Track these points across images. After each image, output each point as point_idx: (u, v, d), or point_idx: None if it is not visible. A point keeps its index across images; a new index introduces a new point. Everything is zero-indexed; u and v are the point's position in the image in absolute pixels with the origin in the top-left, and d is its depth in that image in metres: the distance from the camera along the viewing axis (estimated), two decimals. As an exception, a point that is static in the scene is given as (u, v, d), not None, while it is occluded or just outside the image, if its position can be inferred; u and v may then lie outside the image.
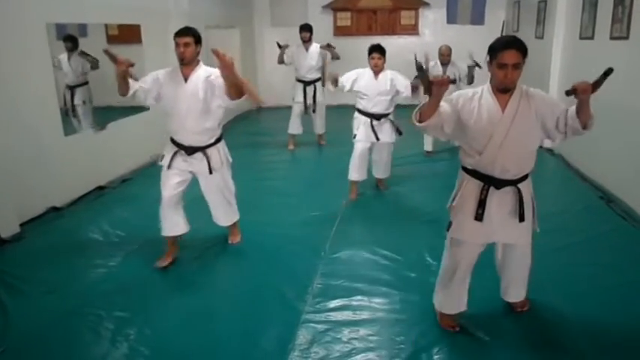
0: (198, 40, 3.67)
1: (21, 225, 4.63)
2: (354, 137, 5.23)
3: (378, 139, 5.18)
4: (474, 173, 2.82)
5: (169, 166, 3.83)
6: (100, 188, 5.84)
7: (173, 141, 3.86)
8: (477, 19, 10.36)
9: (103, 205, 5.40)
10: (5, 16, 4.54)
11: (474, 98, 2.72)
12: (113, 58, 3.49)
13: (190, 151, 3.82)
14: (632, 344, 2.93)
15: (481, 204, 2.79)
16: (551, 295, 3.40)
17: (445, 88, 2.53)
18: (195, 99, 3.66)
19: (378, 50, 5.17)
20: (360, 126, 5.21)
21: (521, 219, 2.81)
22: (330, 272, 3.83)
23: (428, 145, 7.10)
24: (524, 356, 2.87)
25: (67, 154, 5.32)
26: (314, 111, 7.56)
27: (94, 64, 6.70)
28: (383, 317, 3.25)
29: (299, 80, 7.55)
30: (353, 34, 11.21)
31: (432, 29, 10.96)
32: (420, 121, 2.67)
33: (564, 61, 6.88)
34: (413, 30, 11.15)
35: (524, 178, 2.82)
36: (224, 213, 4.20)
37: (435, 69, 6.92)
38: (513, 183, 2.78)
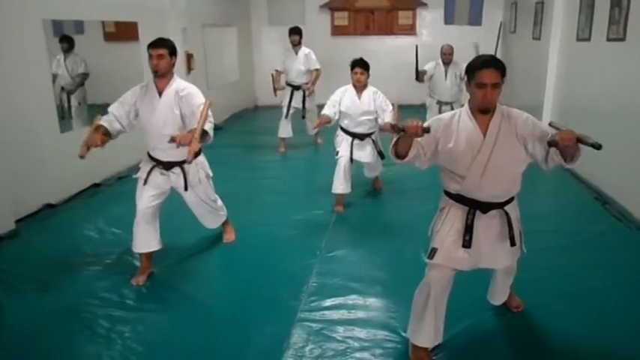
0: (172, 51, 3.52)
1: (16, 222, 4.61)
2: (337, 154, 5.06)
3: (352, 160, 5.02)
4: (458, 198, 2.70)
5: (145, 182, 3.67)
6: (96, 185, 5.84)
7: (150, 156, 3.73)
8: (475, 19, 10.39)
9: (99, 203, 5.39)
10: (1, 12, 4.52)
11: (453, 122, 2.61)
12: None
13: (168, 166, 3.69)
14: (628, 345, 2.94)
15: (468, 230, 2.66)
16: (545, 295, 3.41)
17: (419, 135, 2.42)
18: (171, 113, 3.52)
19: (360, 65, 4.95)
20: (343, 142, 5.06)
21: (512, 243, 2.71)
22: (325, 271, 3.83)
23: None
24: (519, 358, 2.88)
25: (62, 151, 5.29)
26: (304, 117, 7.48)
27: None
28: (378, 316, 3.25)
29: (288, 84, 7.49)
30: (350, 33, 11.23)
31: (430, 29, 10.98)
32: (397, 156, 2.58)
33: (561, 63, 6.90)
34: (410, 30, 11.16)
35: (511, 199, 2.72)
36: (211, 220, 4.15)
37: (437, 69, 6.93)
38: (500, 206, 2.68)
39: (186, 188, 3.74)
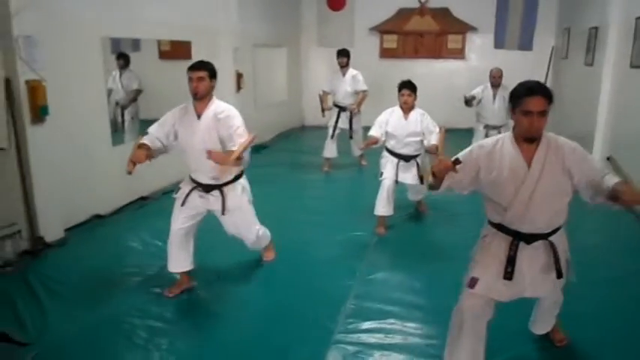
0: (213, 74, 3.50)
1: (65, 230, 4.77)
2: (381, 175, 5.07)
3: (397, 181, 5.00)
4: (501, 227, 2.62)
5: (183, 203, 3.67)
6: (143, 199, 5.98)
7: (191, 177, 3.73)
8: (526, 44, 10.26)
9: (144, 216, 5.52)
10: (62, 29, 4.73)
11: (495, 149, 2.54)
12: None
13: (207, 188, 3.66)
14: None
15: (510, 261, 2.56)
16: (590, 330, 3.28)
17: (449, 170, 2.42)
18: (210, 136, 3.50)
19: (408, 87, 4.96)
20: (388, 164, 5.05)
21: (559, 275, 2.60)
22: (363, 294, 3.80)
23: None
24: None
25: (113, 164, 5.45)
26: (351, 137, 7.54)
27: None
28: (415, 343, 3.19)
29: (335, 105, 7.55)
30: (399, 56, 11.23)
31: (479, 54, 10.88)
32: (431, 187, 2.57)
33: (613, 90, 6.71)
34: (459, 54, 11.09)
35: (557, 230, 2.61)
36: (251, 244, 4.02)
37: (485, 92, 6.90)
38: (545, 237, 2.58)
39: (223, 212, 3.68)
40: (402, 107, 4.98)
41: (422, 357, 3.03)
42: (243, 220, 3.83)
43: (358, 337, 3.23)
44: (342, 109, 7.46)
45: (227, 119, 3.51)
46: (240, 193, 3.76)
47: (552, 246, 2.58)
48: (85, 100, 5.08)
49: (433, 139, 4.73)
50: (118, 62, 6.98)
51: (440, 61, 11.18)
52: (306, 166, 7.89)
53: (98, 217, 5.26)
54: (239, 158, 3.38)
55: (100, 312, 3.52)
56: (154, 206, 5.85)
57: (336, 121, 7.46)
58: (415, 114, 4.96)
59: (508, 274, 2.56)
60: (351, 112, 7.42)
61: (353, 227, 5.13)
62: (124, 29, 5.81)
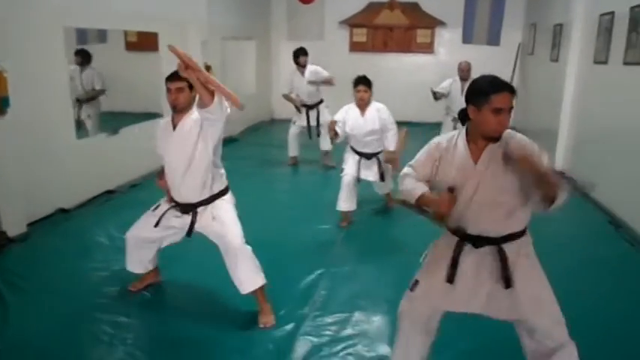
0: (192, 85, 3.00)
1: (28, 225, 4.68)
2: (342, 171, 5.02)
3: (359, 179, 4.98)
4: (449, 228, 2.44)
5: (157, 224, 3.37)
6: (109, 192, 5.90)
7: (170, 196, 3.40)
8: (493, 39, 10.44)
9: (111, 209, 5.45)
10: (23, 18, 4.62)
11: (450, 146, 2.37)
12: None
13: (183, 208, 3.33)
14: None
15: (453, 263, 2.36)
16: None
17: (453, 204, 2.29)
18: (184, 148, 3.15)
19: (364, 82, 4.79)
20: (349, 160, 5.02)
21: (507, 284, 2.30)
22: (331, 286, 3.82)
23: None
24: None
25: (78, 157, 5.38)
26: (318, 135, 7.43)
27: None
28: (381, 333, 3.22)
29: (303, 104, 7.40)
30: (369, 50, 11.28)
31: (448, 48, 10.99)
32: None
33: (578, 85, 6.86)
34: (428, 48, 11.19)
35: (515, 236, 2.34)
36: (243, 275, 3.28)
37: (454, 85, 6.97)
38: (496, 242, 2.33)
39: (188, 234, 3.36)
40: (358, 104, 4.86)
41: (387, 347, 3.05)
42: (224, 224, 3.31)
43: (325, 330, 3.24)
44: (309, 107, 7.36)
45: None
46: (218, 211, 3.33)
47: (501, 253, 2.31)
48: (48, 91, 4.97)
49: (390, 141, 4.74)
50: (75, 59, 6.72)
51: (409, 55, 11.26)
52: (275, 160, 7.88)
53: (63, 210, 5.17)
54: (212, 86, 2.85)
55: (64, 307, 3.47)
56: (121, 200, 5.78)
57: (308, 121, 7.34)
58: (372, 110, 4.84)
59: (449, 277, 2.36)
60: (318, 110, 7.34)
61: (321, 221, 5.15)
62: (89, 19, 5.71)
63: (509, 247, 2.32)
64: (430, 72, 10.37)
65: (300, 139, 7.56)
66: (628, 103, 5.27)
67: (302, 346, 3.07)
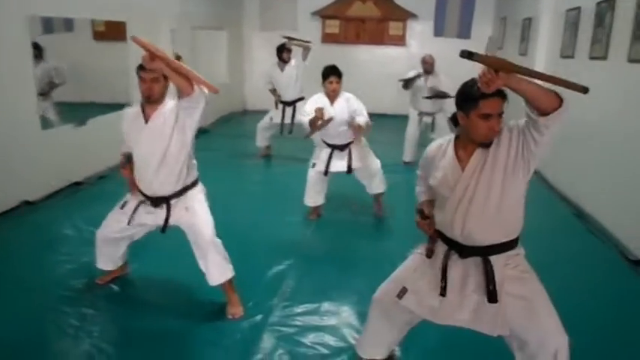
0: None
1: (-8, 217, 4.59)
2: (313, 166, 4.90)
3: (326, 172, 4.83)
4: (440, 233, 2.37)
5: (129, 222, 3.28)
6: (77, 184, 5.81)
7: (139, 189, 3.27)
8: (464, 32, 10.53)
9: (78, 201, 5.36)
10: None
11: (439, 153, 2.34)
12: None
13: (155, 202, 3.23)
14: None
15: (443, 273, 2.29)
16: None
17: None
18: (158, 141, 3.04)
19: (336, 73, 4.65)
20: (321, 153, 4.87)
21: (491, 298, 2.20)
22: (300, 277, 3.84)
23: (407, 156, 7.17)
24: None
25: (43, 149, 5.28)
26: (290, 132, 7.26)
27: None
28: (349, 323, 3.25)
29: (280, 101, 7.26)
30: (341, 41, 11.27)
31: (419, 41, 11.04)
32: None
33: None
34: (400, 41, 11.23)
35: (503, 247, 2.26)
36: (214, 269, 3.26)
37: (420, 79, 6.96)
38: (482, 252, 2.25)
39: (163, 230, 3.27)
40: (328, 95, 4.69)
41: (357, 337, 3.08)
42: (196, 215, 3.24)
43: (293, 320, 3.26)
44: (286, 104, 7.22)
45: (177, 102, 3.02)
46: (192, 204, 3.25)
47: (487, 264, 2.23)
48: (11, 81, 4.86)
49: (361, 120, 4.55)
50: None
51: (381, 48, 11.29)
52: (247, 152, 7.83)
53: (28, 203, 5.07)
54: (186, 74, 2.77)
55: (29, 300, 3.42)
56: (88, 192, 5.70)
57: (283, 117, 7.21)
58: (341, 101, 4.69)
59: (442, 289, 2.28)
60: (294, 107, 7.17)
61: (291, 212, 5.15)
62: (55, 7, 5.58)
63: (496, 260, 2.24)
64: (402, 64, 10.40)
65: (271, 132, 7.48)
66: (593, 97, 5.36)
67: (270, 337, 3.08)
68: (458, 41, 10.42)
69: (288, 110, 7.22)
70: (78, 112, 6.49)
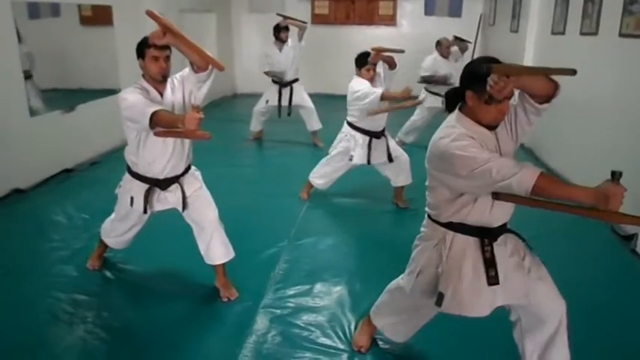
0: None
1: (-18, 206, 4.57)
2: (350, 159, 4.63)
3: (369, 162, 4.63)
4: (462, 227, 2.21)
5: (145, 210, 3.18)
6: (67, 171, 5.77)
7: (140, 177, 3.16)
8: (455, 11, 10.50)
9: (69, 188, 5.33)
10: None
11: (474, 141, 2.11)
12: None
13: (165, 184, 3.16)
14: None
15: (490, 264, 2.17)
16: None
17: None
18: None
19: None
20: (358, 143, 4.60)
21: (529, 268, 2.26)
22: (293, 259, 3.84)
23: (409, 138, 7.01)
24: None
25: (32, 136, 5.23)
26: (289, 114, 7.07)
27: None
28: (342, 304, 3.26)
29: (275, 82, 6.99)
30: (331, 22, 11.17)
31: (410, 20, 10.96)
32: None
33: (537, 56, 6.95)
34: (391, 20, 11.13)
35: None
36: (217, 248, 3.29)
37: (438, 64, 6.84)
38: (506, 229, 2.29)
39: (184, 208, 3.20)
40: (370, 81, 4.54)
41: (348, 317, 3.12)
42: (202, 200, 3.27)
43: (287, 301, 3.28)
44: (283, 85, 6.96)
45: (184, 76, 3.07)
46: (194, 180, 3.29)
47: (518, 236, 2.30)
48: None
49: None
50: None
51: (372, 28, 11.19)
52: (238, 135, 7.78)
53: (18, 191, 5.04)
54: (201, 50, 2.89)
55: (21, 287, 3.42)
56: (79, 178, 5.67)
57: (280, 99, 6.97)
58: (378, 86, 4.56)
59: (493, 279, 2.17)
60: (291, 88, 6.94)
61: (283, 195, 5.15)
62: (39, -8, 5.51)
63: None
64: (393, 44, 10.21)
65: (267, 116, 7.28)
66: (583, 73, 5.35)
67: (264, 318, 3.09)
68: (449, 20, 10.40)
69: (285, 92, 6.98)
70: (67, 99, 6.42)
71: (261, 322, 3.05)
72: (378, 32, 11.11)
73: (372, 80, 4.53)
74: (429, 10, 10.69)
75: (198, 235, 3.27)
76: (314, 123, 7.11)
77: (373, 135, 4.59)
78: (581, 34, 5.45)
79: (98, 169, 5.94)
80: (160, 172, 3.11)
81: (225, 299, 3.28)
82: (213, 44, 10.59)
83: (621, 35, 4.55)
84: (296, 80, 7.02)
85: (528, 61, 7.06)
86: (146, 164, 3.09)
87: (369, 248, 4.08)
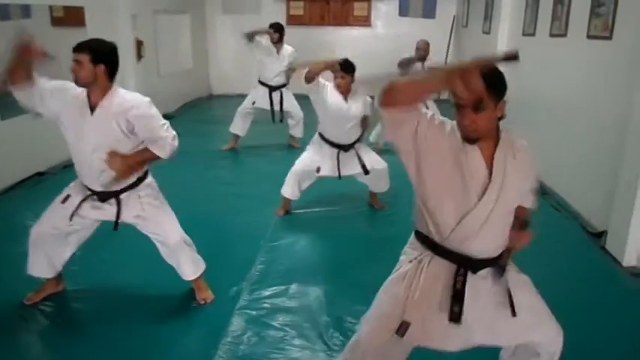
0: (98, 57, 2.70)
1: (-49, 211, 4.48)
2: (317, 171, 4.55)
3: (340, 176, 4.55)
4: (441, 250, 1.96)
5: (71, 217, 2.97)
6: (40, 174, 5.68)
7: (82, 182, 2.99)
8: (429, 12, 10.59)
9: (42, 192, 5.24)
10: None
11: (446, 132, 1.90)
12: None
13: (102, 196, 2.97)
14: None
15: (457, 297, 1.91)
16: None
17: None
18: (105, 136, 2.76)
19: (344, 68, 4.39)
20: (326, 155, 4.54)
21: (513, 312, 1.96)
22: (268, 260, 3.85)
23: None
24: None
25: (3, 139, 5.15)
26: (281, 120, 6.87)
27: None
28: (318, 304, 3.28)
29: (263, 84, 6.74)
30: (306, 23, 11.19)
31: (384, 21, 11.03)
32: (386, 104, 1.77)
33: (508, 57, 7.05)
34: (365, 21, 11.20)
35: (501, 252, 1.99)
36: (185, 266, 3.18)
37: (415, 66, 6.61)
38: (492, 262, 1.97)
39: (115, 227, 2.99)
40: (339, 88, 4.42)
41: (323, 317, 3.13)
42: (158, 224, 3.07)
43: (262, 303, 3.29)
44: (272, 89, 6.72)
45: (144, 120, 2.78)
46: (146, 199, 3.03)
47: (502, 272, 1.99)
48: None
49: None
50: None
51: (346, 29, 11.24)
52: (215, 137, 7.75)
53: (-11, 194, 4.97)
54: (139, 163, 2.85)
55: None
56: (52, 182, 5.57)
57: (271, 103, 6.68)
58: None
59: (455, 315, 1.90)
60: (281, 92, 6.73)
61: (261, 198, 5.13)
62: (9, -7, 5.42)
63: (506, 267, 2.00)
64: (367, 45, 10.43)
65: (251, 117, 6.98)
66: (554, 74, 5.47)
67: (239, 320, 3.10)
68: (423, 21, 10.49)
69: (275, 96, 6.75)
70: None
71: (236, 324, 3.05)
72: (352, 33, 11.18)
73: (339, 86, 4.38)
74: (403, 11, 10.78)
75: (165, 255, 3.15)
76: (297, 130, 7.04)
77: (341, 148, 4.50)
78: (551, 35, 5.56)
79: (71, 172, 5.72)
80: (91, 184, 2.94)
81: (202, 302, 3.27)
82: (188, 45, 10.55)
83: (589, 37, 4.65)
84: (284, 85, 6.81)
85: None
86: (80, 173, 2.98)
87: (345, 249, 4.10)
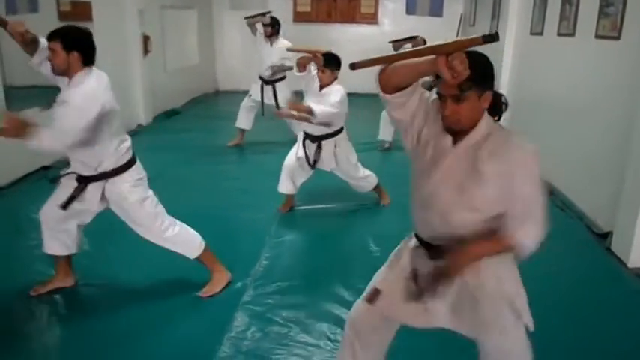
0: (70, 45, 2.71)
1: (-42, 203, 4.50)
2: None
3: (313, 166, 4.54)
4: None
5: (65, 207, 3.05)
6: (45, 168, 5.70)
7: None
8: (436, 10, 10.57)
9: (47, 186, 5.23)
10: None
11: (432, 110, 1.90)
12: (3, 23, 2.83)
13: (87, 180, 3.00)
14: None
15: (413, 275, 1.97)
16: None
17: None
18: (79, 115, 2.77)
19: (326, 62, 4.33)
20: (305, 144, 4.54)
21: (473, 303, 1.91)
22: (273, 256, 3.86)
23: (386, 135, 6.82)
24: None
25: (10, 132, 5.16)
26: (262, 114, 6.88)
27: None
28: (322, 300, 3.28)
29: (260, 77, 6.78)
30: (313, 20, 11.19)
31: (392, 19, 11.02)
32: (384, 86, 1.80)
33: (515, 56, 7.04)
34: (372, 19, 11.19)
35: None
36: (184, 247, 3.27)
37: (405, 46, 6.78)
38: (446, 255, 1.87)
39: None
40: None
41: (327, 314, 3.14)
42: (136, 217, 3.09)
43: (266, 298, 3.29)
44: (265, 82, 6.73)
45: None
46: (125, 188, 3.02)
47: (442, 276, 1.86)
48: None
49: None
50: None
51: (353, 26, 11.25)
52: (221, 132, 7.76)
53: (-5, 188, 4.99)
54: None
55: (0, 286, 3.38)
56: (57, 176, 5.59)
57: (262, 96, 6.77)
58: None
59: (412, 294, 1.94)
60: (274, 86, 6.71)
61: (267, 194, 5.13)
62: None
63: (470, 268, 1.88)
64: (374, 42, 10.35)
65: (254, 111, 7.01)
66: (561, 73, 5.45)
67: (243, 315, 3.10)
68: (430, 19, 10.48)
69: (267, 90, 6.77)
70: (45, 95, 6.34)
71: (241, 319, 3.06)
72: (359, 31, 11.18)
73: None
74: (411, 9, 10.77)
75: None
76: (296, 128, 7.01)
77: (308, 137, 4.47)
78: (559, 35, 5.53)
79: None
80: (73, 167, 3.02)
81: (205, 295, 3.28)
82: (195, 41, 10.56)
83: (597, 37, 4.63)
84: (280, 79, 6.80)
85: (507, 61, 7.15)
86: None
87: (350, 244, 4.10)
